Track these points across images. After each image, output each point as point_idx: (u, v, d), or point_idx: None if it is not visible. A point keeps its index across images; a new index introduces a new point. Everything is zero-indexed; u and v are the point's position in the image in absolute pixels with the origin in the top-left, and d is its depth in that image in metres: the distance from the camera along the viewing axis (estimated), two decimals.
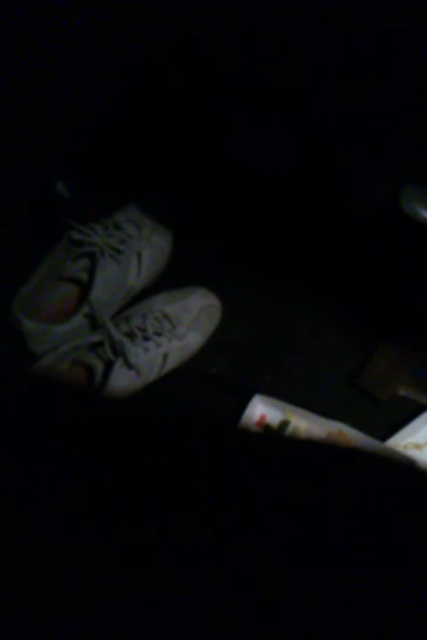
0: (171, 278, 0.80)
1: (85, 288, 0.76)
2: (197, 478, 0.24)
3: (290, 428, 0.72)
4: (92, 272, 0.75)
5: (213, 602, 0.21)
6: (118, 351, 0.71)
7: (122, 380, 0.72)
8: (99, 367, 0.73)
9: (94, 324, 0.75)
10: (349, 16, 0.59)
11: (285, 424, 0.72)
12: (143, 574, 0.21)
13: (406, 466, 0.65)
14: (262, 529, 0.23)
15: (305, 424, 0.72)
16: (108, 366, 0.72)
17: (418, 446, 0.70)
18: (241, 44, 0.68)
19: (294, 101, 0.67)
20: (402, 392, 0.73)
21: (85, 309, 0.75)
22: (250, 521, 0.23)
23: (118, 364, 0.71)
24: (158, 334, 0.74)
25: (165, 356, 0.74)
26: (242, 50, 0.68)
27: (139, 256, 0.78)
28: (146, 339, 0.73)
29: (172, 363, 0.75)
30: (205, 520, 0.23)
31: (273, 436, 0.65)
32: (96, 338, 0.73)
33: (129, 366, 0.71)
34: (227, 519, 0.23)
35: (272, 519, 0.23)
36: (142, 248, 0.78)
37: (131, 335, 0.72)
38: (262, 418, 0.73)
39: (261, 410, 0.73)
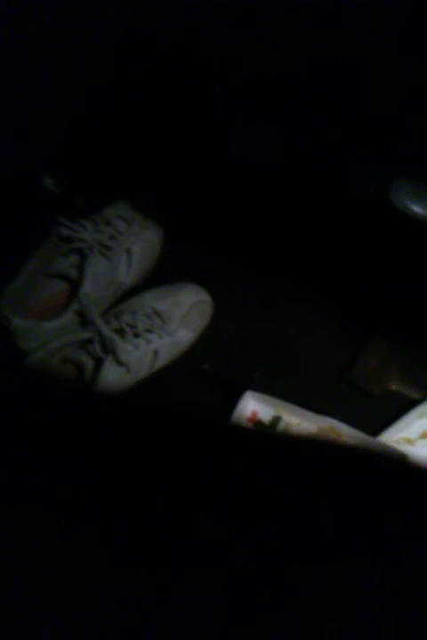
0: (161, 274, 0.80)
1: (75, 285, 0.75)
2: (192, 477, 0.24)
3: (282, 424, 0.72)
4: (81, 268, 0.75)
5: (211, 600, 0.20)
6: (108, 348, 0.71)
7: (112, 377, 0.71)
8: (89, 364, 0.73)
9: (84, 320, 0.75)
10: (343, 13, 0.59)
11: (276, 420, 0.72)
12: (141, 574, 0.21)
13: (397, 461, 0.65)
14: (258, 526, 0.23)
15: (297, 420, 0.71)
16: (98, 363, 0.71)
17: (410, 441, 0.70)
18: (236, 40, 0.67)
19: (287, 96, 0.67)
20: (394, 387, 0.73)
21: (75, 306, 0.74)
22: (246, 519, 0.23)
23: (108, 360, 0.71)
24: (149, 331, 0.73)
25: (156, 353, 0.73)
26: (237, 45, 0.68)
27: (129, 252, 0.77)
28: (136, 335, 0.72)
29: (162, 359, 0.74)
30: (202, 518, 0.22)
31: (267, 433, 0.65)
32: (86, 335, 0.72)
33: (119, 363, 0.71)
34: (223, 517, 0.23)
35: (267, 517, 0.23)
36: (132, 244, 0.77)
37: (121, 332, 0.72)
38: (254, 414, 0.72)
39: (252, 406, 0.72)
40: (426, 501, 0.25)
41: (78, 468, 0.24)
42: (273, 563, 0.22)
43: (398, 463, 0.63)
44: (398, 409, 0.72)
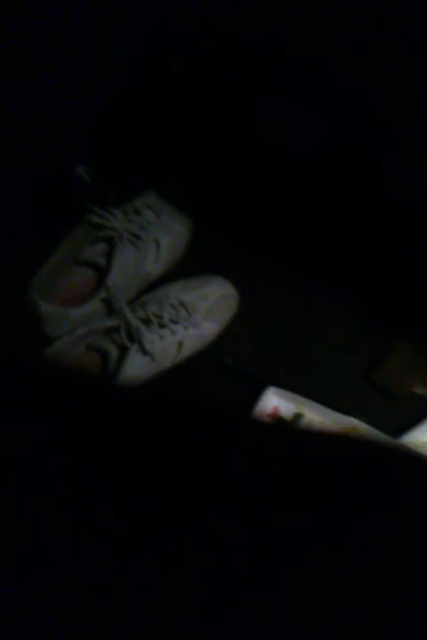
0: (188, 266, 0.80)
1: (103, 273, 0.76)
2: (209, 470, 0.24)
3: (303, 422, 0.71)
4: (110, 257, 0.75)
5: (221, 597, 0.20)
6: (134, 337, 0.71)
7: (136, 367, 0.72)
8: (113, 353, 0.73)
9: (111, 309, 0.75)
10: None
11: (298, 417, 0.72)
12: (149, 562, 0.21)
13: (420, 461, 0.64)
14: (266, 525, 0.22)
15: (318, 418, 0.71)
16: (123, 352, 0.72)
17: None
18: (268, 23, 0.66)
19: (323, 82, 0.66)
20: (418, 390, 0.73)
21: (102, 294, 0.75)
22: (255, 517, 0.23)
23: (133, 349, 0.71)
24: (174, 322, 0.73)
25: (181, 344, 0.74)
26: (269, 29, 0.67)
27: (157, 243, 0.78)
28: (162, 326, 0.73)
29: (187, 351, 0.75)
30: (215, 513, 0.22)
31: (285, 427, 0.65)
32: (112, 323, 0.73)
33: (144, 352, 0.71)
34: (232, 515, 0.22)
35: (278, 515, 0.23)
36: (161, 235, 0.78)
37: (147, 321, 0.72)
38: (276, 410, 0.72)
39: (274, 402, 0.72)
40: None
41: (98, 455, 0.24)
42: (277, 565, 0.22)
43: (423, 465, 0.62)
44: (422, 412, 0.71)
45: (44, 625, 0.19)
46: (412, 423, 0.71)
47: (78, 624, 0.19)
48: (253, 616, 0.20)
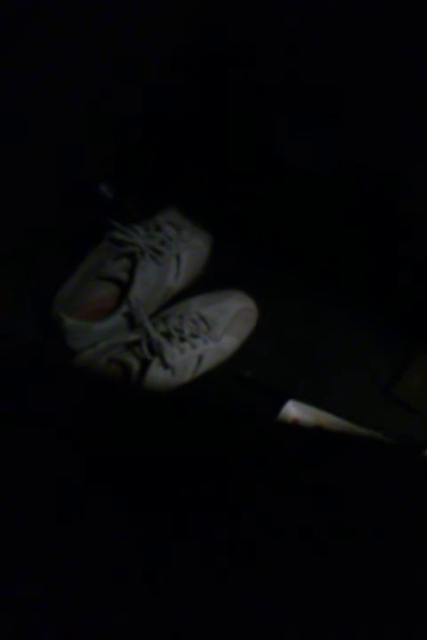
0: (209, 281, 0.81)
1: (125, 287, 0.78)
2: (224, 477, 0.24)
3: None
4: (132, 272, 0.77)
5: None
6: (155, 350, 0.72)
7: (157, 380, 0.73)
8: (135, 366, 0.74)
9: (133, 323, 0.77)
10: (398, 15, 0.59)
11: None
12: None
13: None
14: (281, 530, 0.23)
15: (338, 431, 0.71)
16: (145, 365, 0.73)
17: None
18: (284, 44, 0.68)
19: (338, 100, 0.67)
20: None
21: (124, 308, 0.76)
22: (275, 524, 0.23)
23: (155, 363, 0.72)
24: (194, 336, 0.74)
25: (201, 358, 0.75)
26: (285, 49, 0.68)
27: (178, 258, 0.79)
28: (182, 339, 0.74)
29: (207, 364, 0.76)
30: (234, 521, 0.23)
31: (306, 432, 0.64)
32: (134, 337, 0.74)
33: (165, 366, 0.72)
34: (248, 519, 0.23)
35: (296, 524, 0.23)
36: (182, 250, 0.79)
37: (168, 335, 0.73)
38: (295, 423, 0.72)
39: (294, 414, 0.73)
40: None
41: (121, 461, 0.24)
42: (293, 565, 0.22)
43: None
44: None
45: (47, 622, 0.19)
46: None
47: (80, 621, 0.20)
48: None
